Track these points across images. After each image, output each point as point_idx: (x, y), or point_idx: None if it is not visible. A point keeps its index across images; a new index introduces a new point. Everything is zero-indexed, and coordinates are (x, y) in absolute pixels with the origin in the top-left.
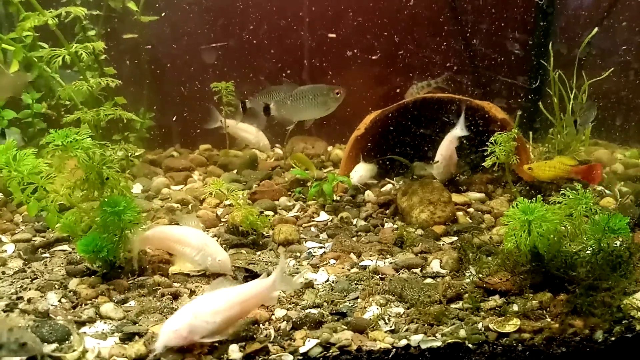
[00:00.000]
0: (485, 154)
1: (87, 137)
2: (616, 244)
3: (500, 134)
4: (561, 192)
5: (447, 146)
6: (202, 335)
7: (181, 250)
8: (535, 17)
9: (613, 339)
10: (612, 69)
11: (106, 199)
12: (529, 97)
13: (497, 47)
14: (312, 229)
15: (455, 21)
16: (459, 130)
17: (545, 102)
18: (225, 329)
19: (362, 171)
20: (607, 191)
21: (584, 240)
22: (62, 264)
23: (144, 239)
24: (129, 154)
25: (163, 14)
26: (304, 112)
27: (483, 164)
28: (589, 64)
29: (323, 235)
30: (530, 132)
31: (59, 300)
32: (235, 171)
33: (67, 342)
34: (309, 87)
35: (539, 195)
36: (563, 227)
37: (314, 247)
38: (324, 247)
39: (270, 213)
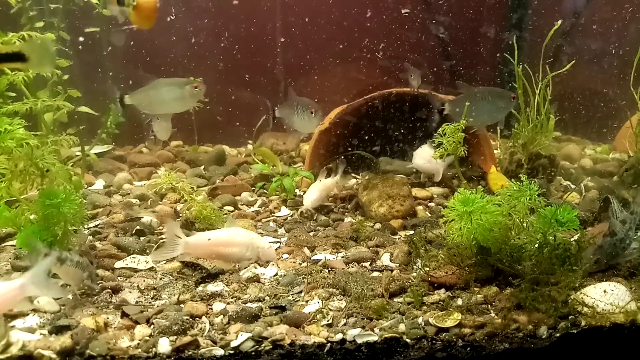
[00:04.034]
0: (434, 145)
1: (20, 128)
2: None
3: (448, 124)
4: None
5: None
6: None
7: (229, 251)
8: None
9: (558, 335)
10: (573, 61)
11: (44, 191)
12: None
13: (467, 40)
14: (271, 223)
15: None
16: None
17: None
18: None
19: (314, 193)
20: (572, 185)
21: (532, 233)
22: (10, 258)
23: (188, 247)
24: (70, 147)
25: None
26: (482, 116)
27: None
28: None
29: (281, 230)
30: (498, 128)
31: None
32: (202, 167)
33: None
34: (485, 89)
35: (479, 186)
36: (509, 220)
37: (269, 242)
38: (280, 242)
39: (230, 208)
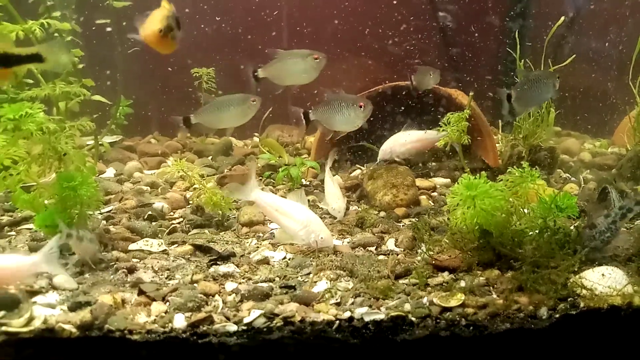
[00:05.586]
0: (438, 134)
1: (40, 112)
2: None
3: (452, 113)
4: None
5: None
6: None
7: (286, 222)
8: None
9: (557, 316)
10: (574, 55)
11: (62, 174)
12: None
13: (469, 35)
14: None
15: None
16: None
17: None
18: None
19: (340, 202)
20: (571, 178)
21: (533, 218)
22: (27, 240)
23: (257, 198)
24: (79, 134)
25: None
26: (538, 98)
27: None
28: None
29: None
30: (500, 121)
31: None
32: (210, 157)
33: (15, 310)
34: (536, 72)
35: (483, 172)
36: (510, 206)
37: (277, 228)
38: None
39: None
